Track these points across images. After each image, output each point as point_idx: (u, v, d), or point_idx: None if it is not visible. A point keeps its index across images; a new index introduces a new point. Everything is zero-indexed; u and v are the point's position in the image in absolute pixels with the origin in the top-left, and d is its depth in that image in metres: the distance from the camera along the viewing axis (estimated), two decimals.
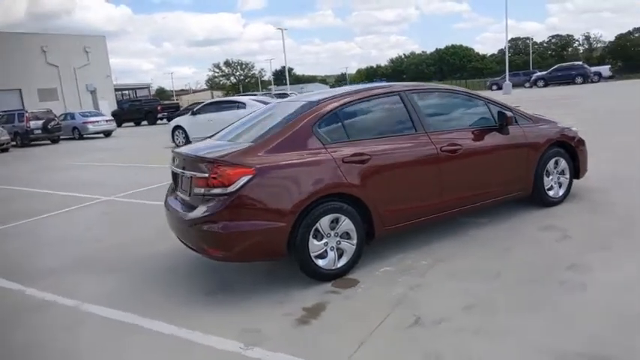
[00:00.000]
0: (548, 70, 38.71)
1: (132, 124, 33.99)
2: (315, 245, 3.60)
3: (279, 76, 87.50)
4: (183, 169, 3.90)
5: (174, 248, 4.80)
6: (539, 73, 39.64)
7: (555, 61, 68.24)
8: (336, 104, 3.92)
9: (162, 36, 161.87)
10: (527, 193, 4.81)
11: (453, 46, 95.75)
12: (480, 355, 2.57)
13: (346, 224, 3.70)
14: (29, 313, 3.69)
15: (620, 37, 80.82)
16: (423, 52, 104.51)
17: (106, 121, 24.67)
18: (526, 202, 4.98)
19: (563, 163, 5.03)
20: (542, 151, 4.80)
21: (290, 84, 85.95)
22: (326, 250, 3.67)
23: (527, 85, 38.94)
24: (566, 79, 35.85)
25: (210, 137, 4.66)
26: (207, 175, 3.48)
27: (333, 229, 3.66)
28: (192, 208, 3.67)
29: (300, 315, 3.23)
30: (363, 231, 3.78)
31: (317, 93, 4.61)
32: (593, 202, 5.12)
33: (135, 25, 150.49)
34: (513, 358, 2.52)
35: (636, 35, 79.49)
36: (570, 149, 5.07)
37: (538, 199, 4.92)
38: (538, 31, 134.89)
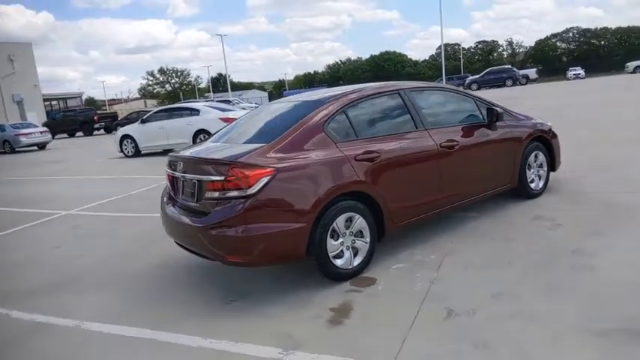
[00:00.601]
0: (481, 74, 40.88)
1: (65, 135, 32.05)
2: (332, 245, 3.56)
3: (216, 84, 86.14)
4: (185, 173, 3.73)
5: (165, 259, 4.61)
6: (472, 77, 41.72)
7: (482, 66, 72.06)
8: (343, 102, 3.91)
9: (88, 43, 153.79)
10: (514, 186, 5.03)
11: (387, 53, 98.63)
12: (527, 339, 2.64)
13: (360, 222, 3.69)
14: (27, 337, 3.36)
15: (539, 43, 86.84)
16: (358, 58, 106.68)
17: (40, 132, 23.07)
18: (507, 195, 5.20)
19: (541, 157, 5.31)
20: (524, 145, 5.04)
21: (226, 91, 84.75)
22: (342, 250, 3.64)
23: (461, 88, 40.73)
24: (497, 81, 38.04)
25: (201, 142, 4.51)
26: (222, 177, 3.35)
27: (347, 227, 3.64)
28: (202, 213, 3.51)
29: (329, 316, 3.18)
30: (375, 229, 3.79)
31: (318, 92, 4.58)
32: (568, 192, 5.44)
33: (58, 33, 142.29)
34: (561, 339, 2.61)
35: (553, 41, 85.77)
36: (547, 143, 5.37)
37: (522, 191, 5.15)
38: (464, 38, 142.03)
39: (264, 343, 2.91)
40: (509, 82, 37.68)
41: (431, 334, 2.82)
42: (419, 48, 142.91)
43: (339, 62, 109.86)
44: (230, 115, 13.53)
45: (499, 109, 4.73)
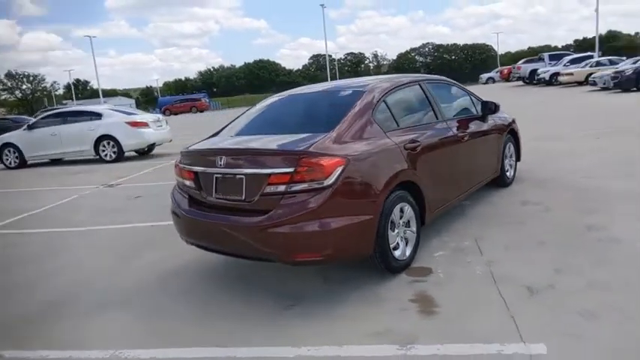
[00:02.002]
0: None
1: None
2: (392, 237, 3.46)
3: (74, 90, 78.33)
4: (230, 167, 3.32)
5: (173, 269, 4.08)
6: None
7: (351, 76, 75.99)
8: (382, 91, 3.83)
9: None
10: (498, 175, 5.39)
11: (262, 61, 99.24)
12: (623, 306, 2.81)
13: (409, 212, 3.64)
14: None
15: (400, 56, 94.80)
16: (232, 65, 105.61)
17: None
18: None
19: (512, 148, 5.78)
20: (504, 136, 5.44)
21: (86, 97, 77.27)
22: (397, 242, 3.55)
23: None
24: None
25: (215, 135, 4.08)
26: (291, 169, 3.04)
27: (400, 218, 3.57)
28: (255, 212, 3.15)
29: (415, 307, 3.07)
30: (419, 218, 3.77)
31: (333, 83, 4.42)
32: (531, 180, 5.98)
33: None
34: None
35: (412, 55, 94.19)
36: (515, 135, 5.86)
37: (501, 180, 5.54)
38: (332, 49, 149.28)
39: (372, 342, 2.71)
40: None
41: (534, 311, 2.87)
42: (289, 58, 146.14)
43: (212, 69, 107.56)
44: (137, 118, 12.45)
45: (493, 103, 5.04)
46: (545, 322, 2.73)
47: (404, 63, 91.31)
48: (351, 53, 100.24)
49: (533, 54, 54.54)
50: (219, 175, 3.40)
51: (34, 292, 3.93)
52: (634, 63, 19.82)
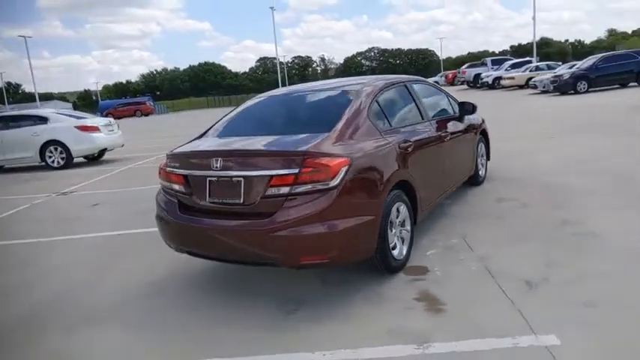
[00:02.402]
0: None
1: None
2: (391, 237, 3.46)
3: (5, 94, 73.60)
4: (226, 170, 3.18)
5: (155, 279, 3.89)
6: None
7: (299, 80, 76.38)
8: (374, 91, 3.83)
9: None
10: (472, 174, 5.54)
11: (207, 64, 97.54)
12: (623, 294, 2.95)
13: (404, 212, 3.66)
14: None
15: (347, 60, 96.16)
16: (175, 68, 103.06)
17: None
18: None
19: (483, 147, 5.97)
20: (477, 136, 5.61)
21: (17, 102, 72.47)
22: (395, 242, 3.56)
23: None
24: None
25: (201, 136, 3.92)
26: (295, 170, 2.97)
27: (397, 217, 3.58)
28: (254, 215, 3.05)
29: (420, 306, 3.08)
30: (412, 217, 3.79)
31: (323, 83, 4.37)
32: (500, 178, 6.19)
33: None
34: None
35: (359, 59, 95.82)
36: (485, 135, 6.05)
37: (474, 179, 5.70)
38: (278, 53, 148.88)
39: (386, 343, 2.68)
40: None
41: (539, 303, 2.95)
42: (234, 61, 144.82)
43: (155, 72, 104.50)
44: (88, 122, 11.85)
45: (471, 103, 5.17)
46: (551, 314, 2.81)
47: (351, 67, 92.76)
48: (299, 57, 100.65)
49: (473, 59, 57.00)
50: (213, 178, 3.26)
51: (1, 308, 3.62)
52: (570, 68, 21.16)
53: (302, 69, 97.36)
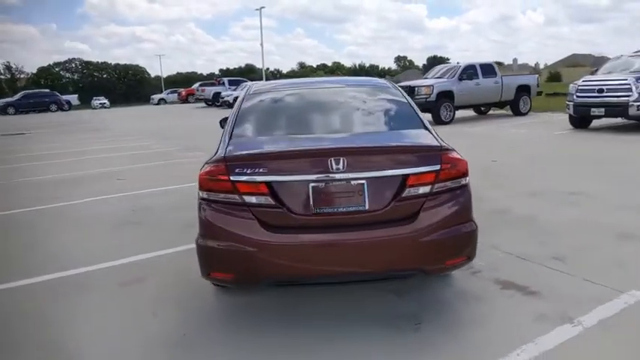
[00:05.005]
0: (17, 97, 35.92)
1: None
2: None
3: None
4: (341, 172, 2.62)
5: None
6: (8, 99, 36.13)
7: None
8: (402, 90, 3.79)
9: None
10: None
11: None
12: (625, 255, 3.78)
13: None
14: None
15: (42, 70, 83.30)
16: None
17: None
18: None
19: None
20: None
21: None
22: None
23: None
24: (40, 106, 34.78)
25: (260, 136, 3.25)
26: (436, 167, 2.71)
27: None
28: (391, 222, 2.66)
29: (520, 293, 3.23)
30: None
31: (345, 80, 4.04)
32: None
33: None
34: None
35: (57, 70, 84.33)
36: None
37: None
38: None
39: (547, 329, 2.74)
40: (53, 107, 35.18)
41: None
42: None
43: None
44: None
45: None
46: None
47: (47, 77, 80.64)
48: None
49: (185, 79, 58.66)
50: (319, 184, 2.64)
51: None
52: None
53: None
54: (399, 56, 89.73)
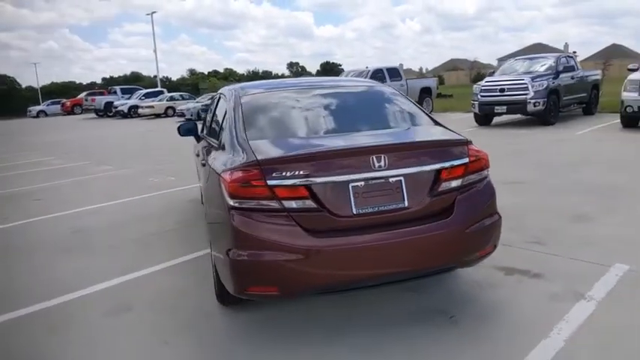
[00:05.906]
0: None
1: None
2: None
3: None
4: (381, 169, 2.56)
5: None
6: None
7: None
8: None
9: None
10: None
11: None
12: (588, 234, 4.17)
13: None
14: None
15: None
16: None
17: None
18: None
19: None
20: None
21: None
22: None
23: None
24: None
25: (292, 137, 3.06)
26: (465, 160, 2.76)
27: None
28: (431, 217, 2.65)
29: (536, 280, 3.40)
30: None
31: (349, 80, 4.08)
32: None
33: None
34: None
35: None
36: None
37: None
38: None
39: (570, 307, 2.92)
40: None
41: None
42: None
43: None
44: None
45: None
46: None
47: None
48: None
49: (63, 88, 53.91)
50: (358, 183, 2.55)
51: None
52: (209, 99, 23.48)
53: None
54: (291, 62, 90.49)
